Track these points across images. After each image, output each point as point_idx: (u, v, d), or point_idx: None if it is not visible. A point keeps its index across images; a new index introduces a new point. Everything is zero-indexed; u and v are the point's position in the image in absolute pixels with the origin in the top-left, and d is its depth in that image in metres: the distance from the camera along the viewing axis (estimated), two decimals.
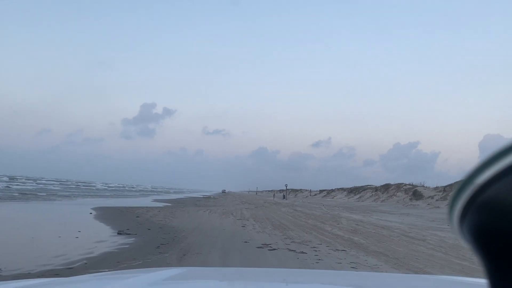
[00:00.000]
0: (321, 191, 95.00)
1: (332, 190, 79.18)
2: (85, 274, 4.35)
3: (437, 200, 33.63)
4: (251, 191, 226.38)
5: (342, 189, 75.34)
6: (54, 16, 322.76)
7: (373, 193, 51.76)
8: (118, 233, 9.89)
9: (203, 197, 50.93)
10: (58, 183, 67.43)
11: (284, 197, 66.36)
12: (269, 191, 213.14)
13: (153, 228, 11.25)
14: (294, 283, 1.46)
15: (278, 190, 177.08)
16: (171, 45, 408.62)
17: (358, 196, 55.13)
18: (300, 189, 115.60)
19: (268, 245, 8.47)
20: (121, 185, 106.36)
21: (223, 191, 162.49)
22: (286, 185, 64.84)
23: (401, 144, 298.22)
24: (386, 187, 51.10)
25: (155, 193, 61.83)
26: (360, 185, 70.00)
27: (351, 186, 70.22)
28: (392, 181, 53.69)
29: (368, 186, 62.44)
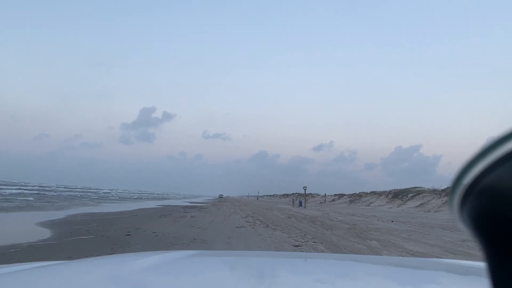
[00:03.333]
0: (339, 195, 76.93)
1: (360, 195, 61.28)
2: None
3: None
4: (251, 196, 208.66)
5: (375, 193, 57.41)
6: (53, 20, 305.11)
7: (443, 200, 34.14)
8: None
9: (185, 207, 32.78)
10: (36, 189, 57.92)
11: (300, 204, 48.50)
12: (270, 195, 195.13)
13: None
14: (311, 259, 1.50)
15: (282, 195, 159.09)
16: (171, 49, 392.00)
17: (417, 203, 37.24)
18: (310, 194, 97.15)
19: None
20: (110, 191, 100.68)
21: (220, 196, 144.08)
22: (304, 188, 46.75)
23: (403, 148, 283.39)
24: None
25: (117, 201, 43.93)
26: (401, 187, 52.32)
27: (390, 189, 52.43)
28: (393, 185, 38.27)
29: (420, 189, 44.68)
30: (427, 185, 47.66)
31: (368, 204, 48.78)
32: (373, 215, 28.52)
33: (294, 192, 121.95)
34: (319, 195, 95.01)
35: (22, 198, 34.42)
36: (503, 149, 0.36)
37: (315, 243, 9.46)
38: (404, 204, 39.97)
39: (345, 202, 61.98)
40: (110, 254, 7.27)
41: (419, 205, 35.98)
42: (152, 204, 38.79)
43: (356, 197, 60.32)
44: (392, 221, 21.95)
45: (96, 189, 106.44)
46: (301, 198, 51.86)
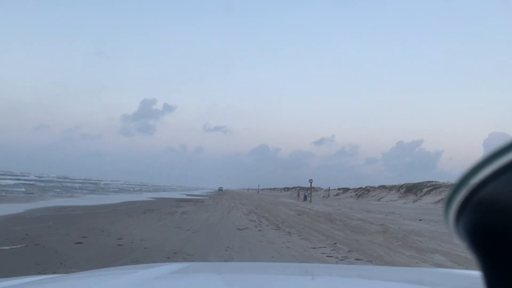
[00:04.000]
0: (344, 190, 73.79)
1: (367, 190, 58.06)
2: None
3: None
4: (251, 189, 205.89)
5: (384, 187, 54.17)
6: (54, 9, 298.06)
7: None
8: None
9: (179, 200, 29.55)
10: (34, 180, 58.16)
11: (305, 198, 45.32)
12: (271, 189, 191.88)
13: None
14: (314, 276, 1.48)
15: (283, 188, 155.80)
16: (172, 40, 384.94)
17: (436, 199, 34.03)
18: (313, 188, 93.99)
19: None
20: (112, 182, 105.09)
21: (220, 189, 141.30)
22: (310, 181, 43.50)
23: (405, 143, 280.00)
24: None
25: (111, 192, 40.84)
26: (403, 183, 49.09)
27: (401, 183, 49.16)
28: (395, 180, 35.43)
29: (435, 183, 41.47)
30: (429, 179, 44.79)
31: (379, 199, 45.59)
32: (391, 211, 25.36)
33: (296, 186, 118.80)
34: (321, 188, 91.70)
35: (12, 189, 31.54)
36: (499, 162, 0.36)
37: (360, 262, 6.14)
38: (419, 199, 36.77)
39: (351, 196, 58.81)
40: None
41: (438, 201, 32.76)
42: (145, 196, 35.72)
43: (363, 192, 57.11)
44: (420, 220, 18.82)
45: (97, 180, 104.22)
46: (305, 192, 48.69)
